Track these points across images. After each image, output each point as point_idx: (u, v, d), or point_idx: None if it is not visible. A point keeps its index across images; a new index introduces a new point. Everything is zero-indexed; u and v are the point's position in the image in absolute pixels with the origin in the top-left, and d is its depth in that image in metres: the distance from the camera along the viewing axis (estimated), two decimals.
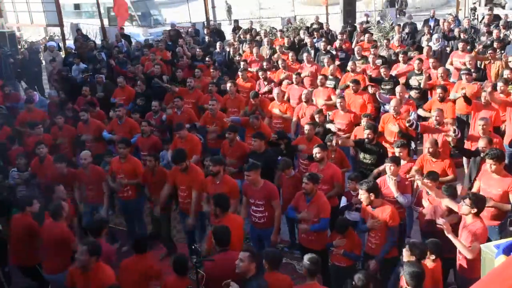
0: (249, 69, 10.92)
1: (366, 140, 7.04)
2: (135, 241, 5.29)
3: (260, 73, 10.18)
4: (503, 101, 7.66)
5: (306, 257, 4.57)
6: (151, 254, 5.36)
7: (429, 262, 4.72)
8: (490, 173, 5.76)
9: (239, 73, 10.42)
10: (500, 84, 7.85)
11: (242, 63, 10.97)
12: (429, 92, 9.26)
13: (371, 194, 5.42)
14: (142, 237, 5.53)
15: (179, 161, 6.42)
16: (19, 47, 17.67)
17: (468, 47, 11.18)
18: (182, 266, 4.85)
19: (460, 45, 10.47)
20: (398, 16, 17.41)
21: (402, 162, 6.40)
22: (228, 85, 9.31)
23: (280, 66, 10.52)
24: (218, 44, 12.96)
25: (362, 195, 5.49)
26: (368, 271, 5.02)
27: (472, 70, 9.13)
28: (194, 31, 16.18)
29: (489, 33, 11.84)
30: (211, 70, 10.65)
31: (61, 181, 6.64)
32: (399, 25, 14.03)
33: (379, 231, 5.44)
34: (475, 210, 4.97)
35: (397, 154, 6.44)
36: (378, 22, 15.07)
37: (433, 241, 4.84)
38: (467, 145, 7.34)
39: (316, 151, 6.49)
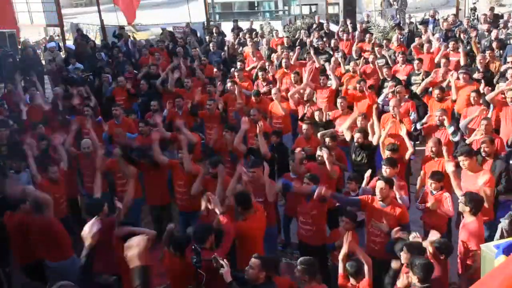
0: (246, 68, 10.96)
1: (355, 143, 7.02)
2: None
3: (259, 74, 10.17)
4: (499, 102, 7.68)
5: (299, 261, 4.54)
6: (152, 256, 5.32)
7: (437, 262, 4.65)
8: (466, 170, 5.88)
9: (235, 73, 10.42)
10: (502, 85, 7.86)
11: (238, 63, 10.98)
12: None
13: (389, 187, 5.38)
14: (126, 224, 5.34)
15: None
16: (19, 47, 17.65)
17: (468, 47, 11.19)
18: (179, 244, 4.86)
19: (451, 44, 10.44)
20: (398, 16, 17.40)
21: None
22: (228, 84, 9.31)
23: (283, 65, 10.52)
24: (211, 44, 12.93)
25: (380, 187, 5.37)
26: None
27: (482, 70, 9.13)
28: (191, 30, 16.13)
29: (490, 32, 11.84)
30: (215, 70, 10.65)
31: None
32: (399, 26, 14.02)
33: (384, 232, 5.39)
34: (468, 208, 5.04)
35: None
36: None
37: (441, 241, 4.79)
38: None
39: (322, 154, 6.45)
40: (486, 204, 5.52)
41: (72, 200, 7.39)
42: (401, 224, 5.37)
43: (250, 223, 5.30)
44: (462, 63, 9.83)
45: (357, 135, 7.04)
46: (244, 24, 16.48)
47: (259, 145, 7.10)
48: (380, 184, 5.39)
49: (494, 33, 11.28)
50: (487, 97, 7.81)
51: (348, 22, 13.78)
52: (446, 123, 7.08)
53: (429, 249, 4.67)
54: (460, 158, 5.87)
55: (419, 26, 13.59)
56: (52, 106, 9.99)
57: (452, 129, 7.02)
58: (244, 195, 5.49)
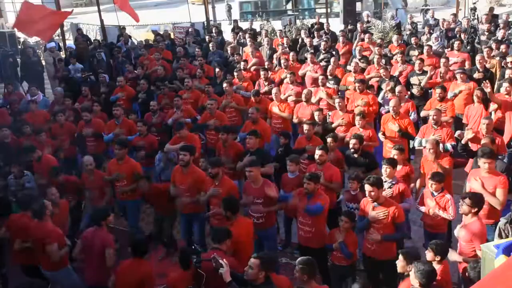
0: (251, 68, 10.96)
1: (351, 150, 6.88)
2: (134, 243, 5.20)
3: (261, 73, 10.18)
4: (503, 101, 7.67)
5: (298, 261, 4.53)
6: (149, 258, 5.30)
7: (435, 264, 4.64)
8: (480, 171, 5.81)
9: (235, 73, 10.43)
10: (506, 85, 7.87)
11: (242, 63, 10.97)
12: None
13: (377, 188, 5.36)
14: (142, 239, 5.41)
15: (187, 152, 6.47)
16: (19, 47, 17.66)
17: (469, 47, 11.19)
18: (186, 259, 4.88)
19: (456, 44, 10.45)
20: (397, 16, 17.38)
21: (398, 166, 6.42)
22: (224, 85, 9.31)
23: (282, 65, 10.51)
24: (211, 44, 12.93)
25: (368, 190, 5.38)
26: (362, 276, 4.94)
27: (481, 70, 9.14)
28: (193, 31, 16.15)
29: (490, 32, 11.84)
30: (217, 70, 10.67)
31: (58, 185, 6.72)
32: (398, 26, 13.99)
33: (380, 230, 5.40)
34: (476, 209, 5.03)
35: (393, 156, 6.43)
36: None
37: (438, 243, 4.79)
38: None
39: (319, 154, 6.46)
40: (498, 207, 5.52)
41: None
42: (395, 223, 5.36)
43: (235, 229, 5.31)
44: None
45: (352, 141, 6.87)
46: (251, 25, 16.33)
47: (251, 143, 7.11)
48: (367, 187, 5.39)
49: (501, 33, 11.30)
50: (494, 97, 7.81)
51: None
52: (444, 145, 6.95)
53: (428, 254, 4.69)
54: (483, 160, 5.70)
55: (421, 28, 13.60)
56: (52, 106, 10.02)
57: (449, 146, 7.00)
58: (232, 200, 5.57)
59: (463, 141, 6.82)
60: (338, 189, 6.57)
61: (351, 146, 6.87)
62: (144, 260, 5.15)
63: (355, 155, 6.84)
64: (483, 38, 11.69)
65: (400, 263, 4.62)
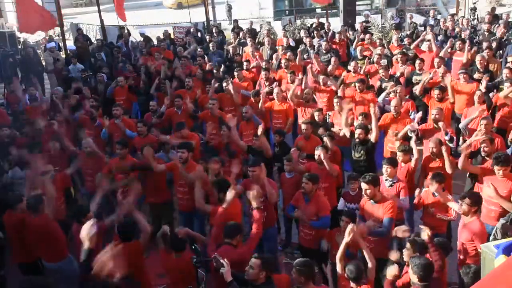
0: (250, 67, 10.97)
1: (356, 139, 7.04)
2: (121, 228, 5.18)
3: (262, 73, 10.18)
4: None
5: (295, 263, 4.53)
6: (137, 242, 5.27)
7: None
8: (494, 174, 5.76)
9: (235, 73, 10.43)
10: (507, 85, 7.90)
11: (245, 63, 10.97)
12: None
13: (373, 186, 5.40)
14: (128, 224, 5.29)
15: (185, 149, 6.50)
16: (19, 47, 17.65)
17: (469, 47, 11.17)
18: (178, 243, 4.93)
19: (457, 44, 10.45)
20: (397, 16, 17.38)
21: (402, 164, 6.42)
22: (224, 84, 9.31)
23: (283, 65, 10.52)
24: (211, 44, 12.93)
25: (364, 189, 5.45)
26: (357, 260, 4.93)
27: (481, 70, 9.14)
28: (197, 31, 16.16)
29: (490, 32, 11.85)
30: (214, 71, 10.65)
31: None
32: (398, 26, 14.00)
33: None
34: (475, 208, 5.06)
35: (398, 158, 6.43)
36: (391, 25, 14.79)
37: (440, 241, 4.80)
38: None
39: (319, 153, 6.46)
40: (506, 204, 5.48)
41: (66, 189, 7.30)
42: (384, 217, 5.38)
43: (228, 209, 5.45)
44: (464, 60, 9.83)
45: (358, 131, 7.07)
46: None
47: (257, 144, 7.10)
48: (363, 186, 5.47)
49: (499, 31, 11.30)
50: (501, 94, 7.86)
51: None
52: (442, 128, 6.95)
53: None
54: (498, 168, 5.65)
55: (420, 28, 13.57)
56: (51, 105, 10.01)
57: (448, 136, 6.98)
58: (224, 181, 5.68)
59: (468, 142, 6.81)
60: (335, 174, 6.56)
61: (356, 136, 7.05)
62: (132, 242, 5.13)
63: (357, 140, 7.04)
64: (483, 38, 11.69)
65: (406, 251, 4.63)
